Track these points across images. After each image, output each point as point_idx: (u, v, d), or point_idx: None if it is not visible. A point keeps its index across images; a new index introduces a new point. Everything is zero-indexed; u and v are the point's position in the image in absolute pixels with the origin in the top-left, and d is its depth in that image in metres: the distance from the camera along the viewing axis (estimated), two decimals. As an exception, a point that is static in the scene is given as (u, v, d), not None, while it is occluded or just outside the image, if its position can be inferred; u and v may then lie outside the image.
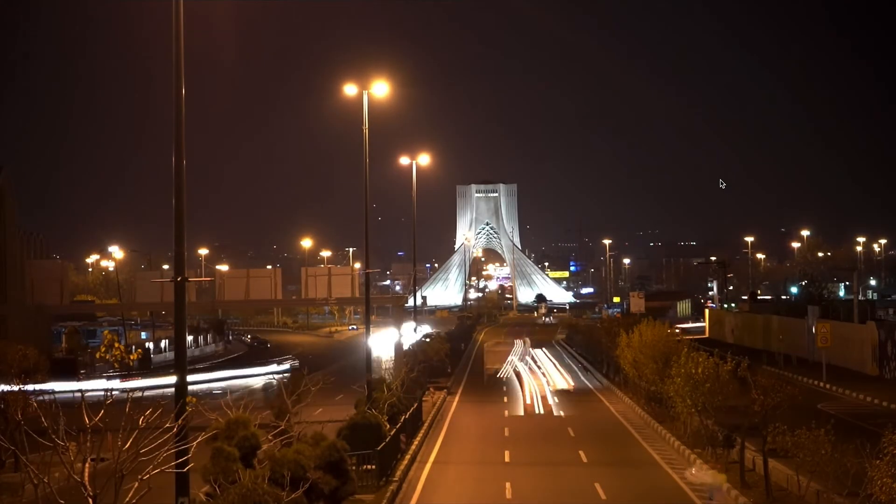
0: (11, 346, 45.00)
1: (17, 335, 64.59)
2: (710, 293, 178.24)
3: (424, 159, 67.33)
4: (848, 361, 69.06)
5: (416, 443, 43.40)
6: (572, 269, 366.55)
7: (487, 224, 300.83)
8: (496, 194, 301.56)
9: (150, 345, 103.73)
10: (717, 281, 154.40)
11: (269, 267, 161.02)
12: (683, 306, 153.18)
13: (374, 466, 33.66)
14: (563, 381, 69.91)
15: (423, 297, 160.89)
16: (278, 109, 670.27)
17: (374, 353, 61.25)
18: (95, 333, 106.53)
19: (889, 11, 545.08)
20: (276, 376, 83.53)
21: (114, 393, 18.38)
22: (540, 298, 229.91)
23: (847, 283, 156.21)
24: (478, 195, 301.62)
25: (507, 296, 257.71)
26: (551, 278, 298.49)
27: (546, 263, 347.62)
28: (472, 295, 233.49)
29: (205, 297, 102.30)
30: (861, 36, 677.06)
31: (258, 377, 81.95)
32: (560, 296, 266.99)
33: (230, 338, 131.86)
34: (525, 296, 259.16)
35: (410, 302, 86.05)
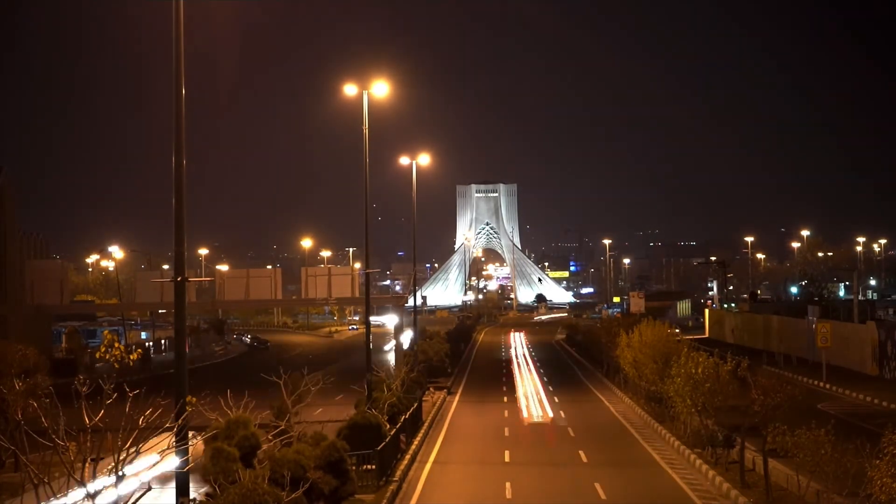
0: (11, 346, 44.94)
1: (17, 335, 64.54)
2: (710, 293, 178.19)
3: (424, 159, 67.25)
4: (848, 361, 69.03)
5: (416, 443, 43.38)
6: (572, 269, 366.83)
7: (487, 224, 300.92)
8: (496, 194, 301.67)
9: (150, 344, 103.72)
10: (717, 281, 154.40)
11: (269, 267, 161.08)
12: (683, 306, 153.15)
13: (374, 466, 33.64)
14: None
15: (423, 297, 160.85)
16: (278, 109, 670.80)
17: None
18: (95, 333, 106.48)
19: (892, 11, 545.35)
20: None
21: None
22: (540, 298, 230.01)
23: (847, 283, 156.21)
24: (478, 195, 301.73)
25: (509, 295, 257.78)
26: (551, 278, 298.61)
27: (546, 263, 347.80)
28: (472, 295, 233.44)
29: (205, 297, 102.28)
30: (863, 37, 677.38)
31: None
32: (560, 296, 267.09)
33: (230, 338, 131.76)
34: (525, 296, 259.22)
35: (410, 302, 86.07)
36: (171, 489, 21.67)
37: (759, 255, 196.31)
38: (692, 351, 39.96)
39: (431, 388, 63.11)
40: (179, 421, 20.68)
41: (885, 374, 64.70)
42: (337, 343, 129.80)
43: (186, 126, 22.63)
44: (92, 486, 16.52)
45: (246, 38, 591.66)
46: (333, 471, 28.26)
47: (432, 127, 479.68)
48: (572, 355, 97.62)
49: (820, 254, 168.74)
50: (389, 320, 70.41)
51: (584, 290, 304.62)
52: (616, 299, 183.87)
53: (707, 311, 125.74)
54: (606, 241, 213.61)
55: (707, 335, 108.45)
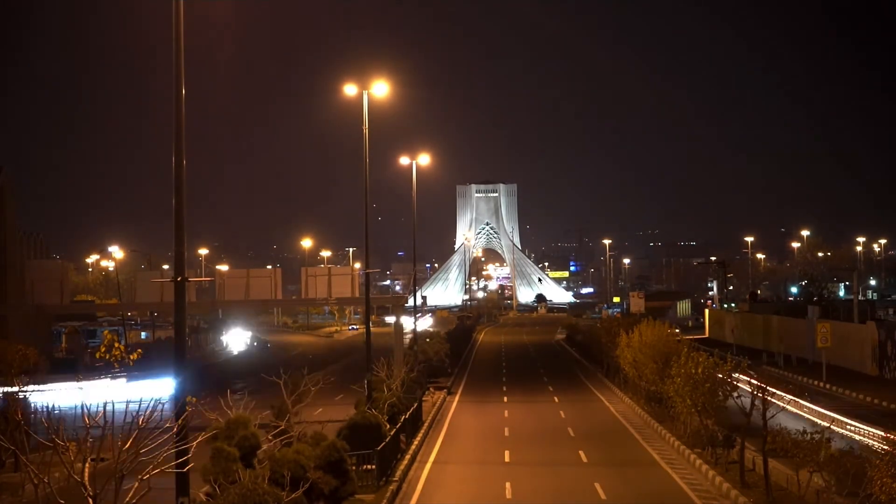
0: (11, 346, 44.94)
1: (17, 335, 64.45)
2: (710, 293, 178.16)
3: (424, 159, 67.29)
4: (848, 361, 69.03)
5: (416, 443, 43.39)
6: (572, 269, 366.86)
7: (487, 224, 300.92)
8: (496, 194, 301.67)
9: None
10: (717, 281, 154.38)
11: (269, 267, 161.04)
12: (683, 306, 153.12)
13: (374, 466, 33.64)
14: None
15: (423, 297, 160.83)
16: (279, 109, 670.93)
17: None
18: (95, 333, 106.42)
19: (889, 12, 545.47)
20: None
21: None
22: (540, 298, 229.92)
23: (847, 283, 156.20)
24: (478, 195, 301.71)
25: (508, 294, 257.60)
26: (551, 278, 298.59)
27: (546, 263, 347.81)
28: (473, 295, 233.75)
29: (205, 297, 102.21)
30: (862, 36, 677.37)
31: None
32: (560, 296, 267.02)
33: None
34: (525, 296, 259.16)
35: (410, 302, 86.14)
36: None
37: (759, 255, 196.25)
38: (692, 351, 39.97)
39: (431, 388, 63.10)
40: (179, 421, 20.67)
41: (885, 374, 64.71)
42: (336, 343, 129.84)
43: (186, 126, 22.64)
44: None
45: (246, 38, 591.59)
46: (333, 471, 28.25)
47: (432, 127, 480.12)
48: (572, 355, 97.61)
49: (820, 254, 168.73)
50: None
51: (584, 290, 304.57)
52: (616, 299, 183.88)
53: (707, 311, 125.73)
54: (606, 241, 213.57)
55: (707, 335, 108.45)
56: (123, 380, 57.89)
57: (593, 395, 64.14)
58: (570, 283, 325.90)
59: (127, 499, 17.14)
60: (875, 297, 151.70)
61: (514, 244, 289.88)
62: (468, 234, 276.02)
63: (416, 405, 48.12)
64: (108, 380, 57.69)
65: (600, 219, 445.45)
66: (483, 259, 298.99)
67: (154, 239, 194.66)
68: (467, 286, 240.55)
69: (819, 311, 77.33)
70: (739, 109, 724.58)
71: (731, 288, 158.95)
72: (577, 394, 64.86)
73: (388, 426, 38.38)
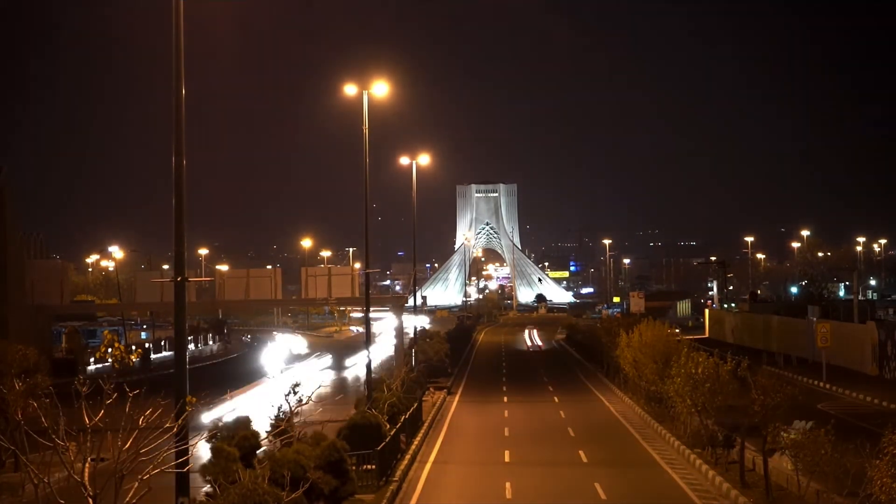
0: (11, 346, 44.83)
1: (17, 335, 64.37)
2: (710, 293, 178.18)
3: (424, 159, 67.31)
4: (848, 361, 69.02)
5: (416, 443, 43.39)
6: (572, 269, 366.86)
7: (487, 224, 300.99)
8: (496, 194, 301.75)
9: (150, 344, 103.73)
10: (717, 281, 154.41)
11: (269, 267, 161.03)
12: (683, 306, 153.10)
13: (374, 466, 33.64)
14: None
15: (423, 297, 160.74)
16: (279, 109, 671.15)
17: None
18: (95, 333, 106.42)
19: (888, 7, 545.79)
20: None
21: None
22: (540, 298, 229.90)
23: (847, 283, 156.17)
24: (478, 195, 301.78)
25: (508, 294, 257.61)
26: (551, 278, 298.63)
27: (546, 263, 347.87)
28: (473, 295, 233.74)
29: (205, 297, 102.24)
30: (861, 35, 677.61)
31: None
32: (560, 296, 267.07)
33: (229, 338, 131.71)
34: (525, 296, 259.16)
35: (410, 302, 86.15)
36: None
37: (759, 255, 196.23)
38: (692, 351, 39.95)
39: (431, 388, 63.11)
40: (179, 421, 20.67)
41: (885, 374, 64.69)
42: (336, 343, 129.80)
43: (186, 125, 22.64)
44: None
45: (246, 38, 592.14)
46: (333, 471, 28.25)
47: (432, 127, 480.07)
48: (572, 355, 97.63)
49: (820, 254, 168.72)
50: (387, 323, 71.22)
51: (584, 290, 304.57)
52: (616, 299, 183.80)
53: (707, 311, 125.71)
54: (606, 241, 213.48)
55: (707, 335, 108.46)
56: None
57: (593, 395, 64.14)
58: (570, 283, 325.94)
59: (127, 499, 17.14)
60: (875, 297, 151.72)
61: (514, 244, 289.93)
62: (468, 234, 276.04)
63: (416, 405, 48.12)
64: None
65: (600, 219, 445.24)
66: (483, 259, 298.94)
67: (154, 239, 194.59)
68: (467, 286, 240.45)
69: (819, 310, 77.29)
70: (739, 109, 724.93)
71: (731, 288, 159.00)
72: (577, 394, 64.86)
73: (388, 426, 38.38)
